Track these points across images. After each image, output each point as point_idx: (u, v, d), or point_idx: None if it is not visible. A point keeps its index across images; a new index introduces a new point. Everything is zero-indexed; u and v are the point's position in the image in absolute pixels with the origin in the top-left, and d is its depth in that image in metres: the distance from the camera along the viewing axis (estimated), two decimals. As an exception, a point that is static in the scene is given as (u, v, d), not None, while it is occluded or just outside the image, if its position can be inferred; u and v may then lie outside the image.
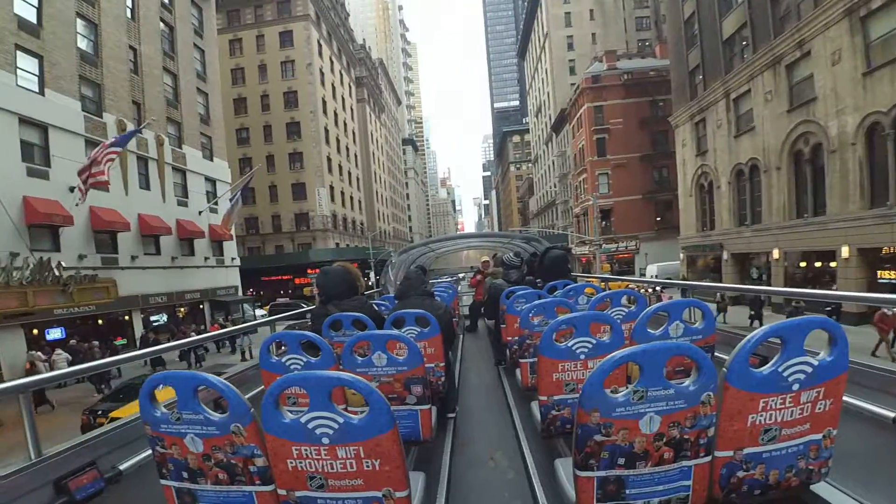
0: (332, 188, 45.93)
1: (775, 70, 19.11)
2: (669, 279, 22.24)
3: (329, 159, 45.82)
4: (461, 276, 13.54)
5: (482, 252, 11.10)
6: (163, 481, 1.54)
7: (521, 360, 3.34)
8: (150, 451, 1.56)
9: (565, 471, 1.72)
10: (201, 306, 24.97)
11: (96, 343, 15.89)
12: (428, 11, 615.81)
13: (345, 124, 52.18)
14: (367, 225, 57.29)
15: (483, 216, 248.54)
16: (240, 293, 28.85)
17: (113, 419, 7.33)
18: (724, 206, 23.11)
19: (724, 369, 1.33)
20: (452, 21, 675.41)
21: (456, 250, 12.47)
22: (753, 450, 1.38)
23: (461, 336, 7.40)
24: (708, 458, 1.37)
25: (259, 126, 44.69)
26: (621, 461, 1.33)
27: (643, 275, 37.56)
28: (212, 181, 26.39)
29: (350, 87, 56.64)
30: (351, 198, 52.20)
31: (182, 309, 23.92)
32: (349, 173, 52.19)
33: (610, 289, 5.14)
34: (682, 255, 28.22)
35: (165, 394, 1.57)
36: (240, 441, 1.42)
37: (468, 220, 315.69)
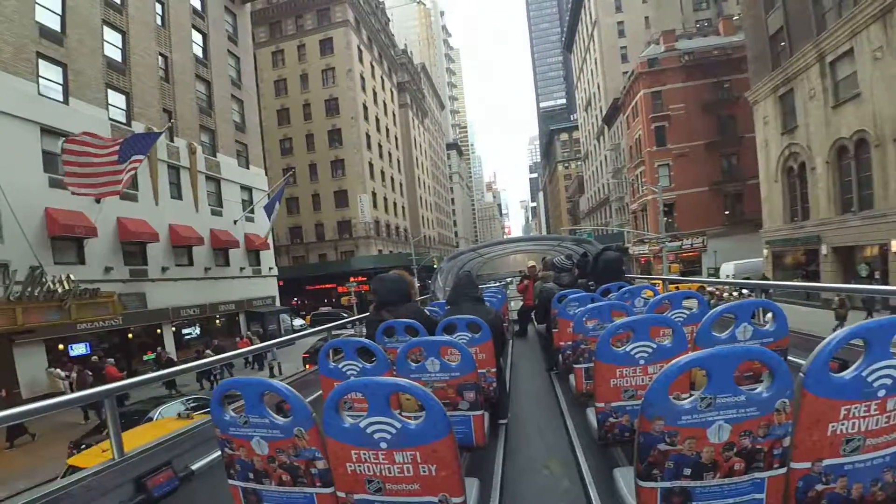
0: (374, 194, 44.91)
1: (885, 22, 15.63)
2: (748, 279, 19.11)
3: (371, 165, 44.85)
4: (509, 280, 13.03)
5: (530, 256, 10.79)
6: (230, 481, 1.61)
7: (574, 366, 3.17)
8: (219, 452, 1.65)
9: (625, 481, 1.69)
10: (237, 318, 24.12)
11: (110, 360, 14.88)
12: (470, 16, 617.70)
13: (387, 130, 51.27)
14: (410, 231, 56.01)
15: (530, 219, 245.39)
16: (277, 303, 27.93)
17: (71, 468, 6.01)
18: (822, 191, 19.45)
19: (801, 374, 1.22)
20: (495, 23, 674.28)
21: (504, 255, 12.10)
22: (834, 461, 1.26)
23: (510, 341, 7.15)
24: (783, 470, 1.27)
25: (301, 135, 44.50)
26: (687, 472, 1.26)
27: (712, 275, 33.75)
28: (248, 189, 25.66)
29: (392, 92, 55.80)
30: (394, 204, 51.09)
31: (218, 320, 23.12)
32: (392, 179, 51.14)
33: (678, 290, 4.75)
34: (765, 252, 24.45)
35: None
36: (302, 444, 1.48)
37: (515, 224, 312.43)
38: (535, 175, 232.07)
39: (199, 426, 2.19)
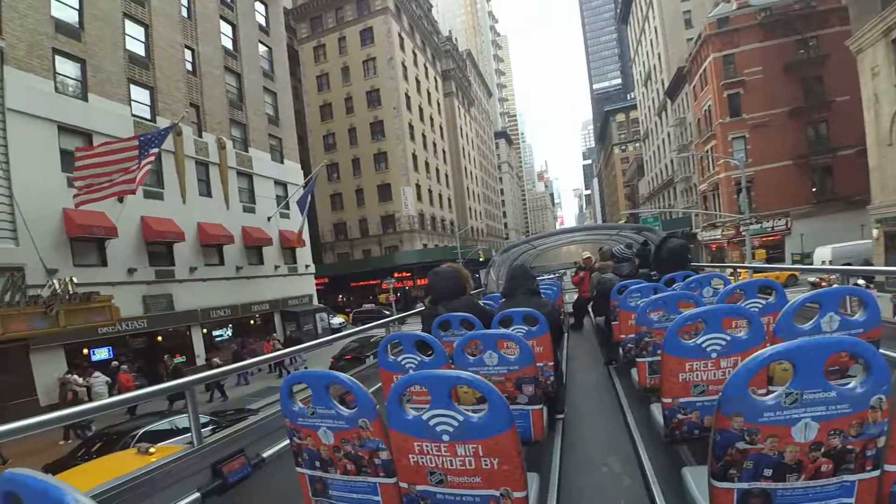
0: (418, 187, 43.41)
1: None
2: (849, 265, 15.50)
3: (414, 157, 43.34)
4: (563, 272, 12.68)
5: (584, 247, 10.35)
6: (298, 469, 1.67)
7: (637, 360, 3.02)
8: (288, 441, 1.70)
9: (696, 481, 1.64)
10: (272, 318, 23.31)
11: (124, 367, 14.08)
12: (518, 1, 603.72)
13: (431, 119, 49.57)
14: (457, 223, 54.18)
15: (584, 207, 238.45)
16: (315, 302, 26.91)
17: None
18: (957, 154, 15.57)
19: None
20: (543, 5, 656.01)
21: (558, 246, 11.83)
22: None
23: (566, 335, 6.78)
24: (876, 473, 1.17)
25: (344, 130, 43.73)
26: (768, 472, 1.20)
27: (798, 262, 29.42)
28: (282, 185, 24.70)
29: (436, 80, 53.98)
30: (439, 196, 49.41)
31: (253, 321, 22.39)
32: (437, 170, 49.45)
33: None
34: (875, 232, 20.39)
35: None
36: (366, 435, 1.51)
37: (568, 213, 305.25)
38: (588, 161, 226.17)
39: (269, 416, 2.31)
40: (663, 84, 48.58)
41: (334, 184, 44.48)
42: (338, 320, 31.44)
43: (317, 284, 45.50)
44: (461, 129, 62.09)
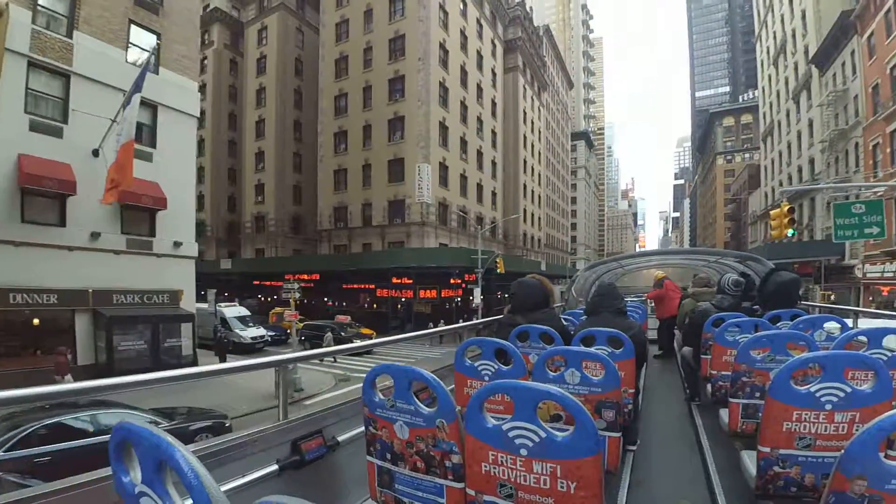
0: (443, 167, 32.76)
1: None
2: None
3: (443, 127, 32.80)
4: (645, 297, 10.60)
5: (680, 271, 9.76)
6: (369, 457, 1.72)
7: (731, 400, 2.70)
8: (363, 429, 1.75)
9: None
10: (72, 320, 13.54)
11: None
12: (618, 12, 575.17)
13: (479, 89, 38.80)
14: (502, 225, 42.78)
15: (669, 231, 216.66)
16: (193, 303, 16.56)
17: None
18: None
19: None
20: (648, 23, 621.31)
21: (648, 267, 10.48)
22: None
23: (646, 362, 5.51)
24: None
25: (358, 88, 34.33)
26: None
27: None
28: (151, 107, 15.00)
29: (494, 44, 43.16)
30: (478, 185, 38.33)
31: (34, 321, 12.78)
32: (478, 153, 38.48)
33: None
34: None
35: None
36: (441, 436, 1.51)
37: (651, 236, 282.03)
38: (681, 181, 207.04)
39: (349, 402, 2.35)
40: (806, 53, 34.13)
41: (340, 156, 35.17)
42: (256, 333, 21.88)
43: (306, 282, 36.49)
44: (524, 114, 50.62)
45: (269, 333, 25.13)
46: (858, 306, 22.85)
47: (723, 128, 78.21)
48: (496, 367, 2.33)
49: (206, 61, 49.22)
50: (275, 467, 1.87)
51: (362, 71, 34.02)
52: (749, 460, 2.11)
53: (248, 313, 24.42)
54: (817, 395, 1.73)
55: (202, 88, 49.97)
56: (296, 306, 39.30)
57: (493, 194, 41.82)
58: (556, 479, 1.30)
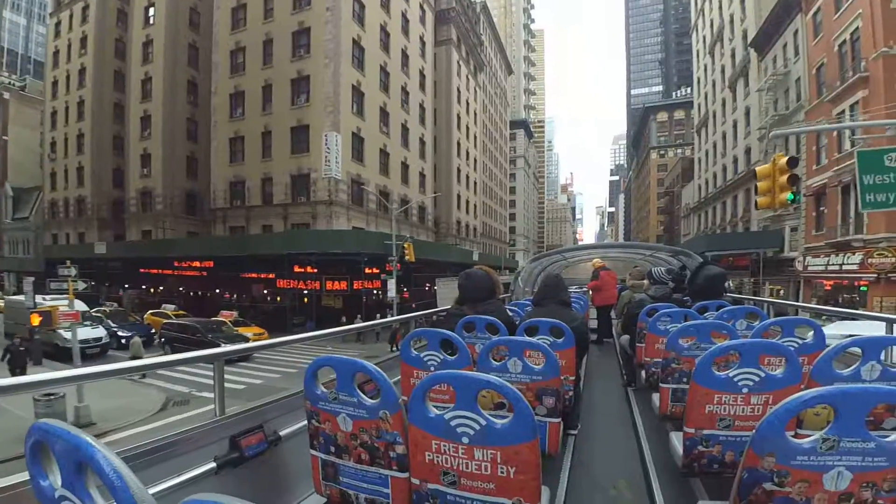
0: (358, 138, 28.27)
1: None
2: None
3: (358, 91, 28.25)
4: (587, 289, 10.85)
5: (621, 264, 10.32)
6: (312, 451, 1.71)
7: (661, 385, 2.92)
8: (305, 422, 1.76)
9: None
10: None
11: None
12: (557, 16, 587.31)
13: (404, 55, 34.43)
14: (430, 210, 38.93)
15: (605, 225, 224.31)
16: None
17: None
18: None
19: None
20: (578, 18, 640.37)
21: (590, 260, 10.55)
22: None
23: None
24: None
25: (258, 41, 28.95)
26: None
27: None
28: None
29: (423, 9, 38.82)
30: (402, 165, 34.08)
31: None
32: (403, 127, 34.22)
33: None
34: None
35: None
36: (385, 427, 1.52)
37: (588, 230, 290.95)
38: (616, 178, 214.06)
39: (290, 395, 2.25)
40: (745, 37, 32.79)
41: (236, 122, 29.69)
42: (91, 333, 16.80)
43: (198, 269, 30.94)
44: (458, 92, 46.88)
45: (126, 334, 19.80)
46: (798, 301, 21.12)
47: (657, 123, 78.82)
48: (442, 357, 2.36)
49: (87, 11, 41.46)
50: (212, 465, 1.77)
51: (262, 22, 28.66)
52: (677, 441, 2.26)
53: (87, 308, 18.86)
54: (735, 379, 1.87)
55: (83, 41, 42.26)
56: (186, 300, 33.91)
57: (422, 176, 37.76)
58: (496, 464, 1.35)
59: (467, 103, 50.17)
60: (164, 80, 34.17)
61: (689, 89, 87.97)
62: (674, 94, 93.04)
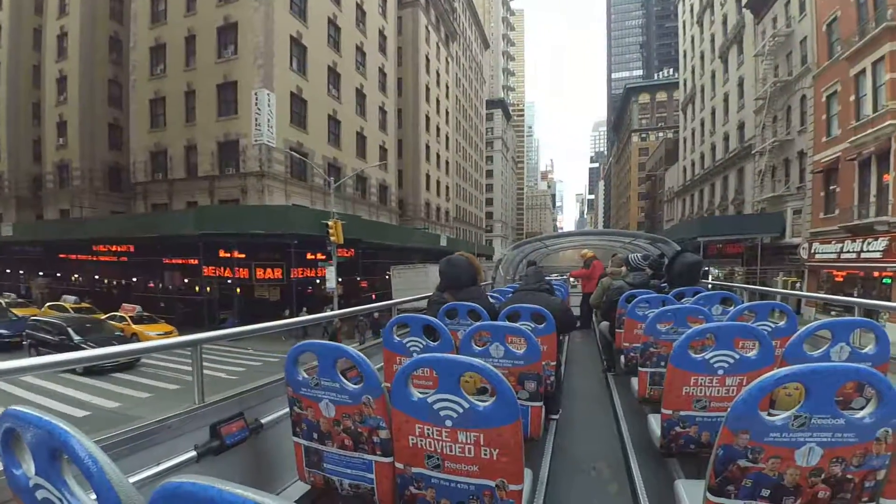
0: (298, 100, 24.10)
1: None
2: None
3: (298, 44, 24.01)
4: (567, 277, 11.99)
5: (597, 251, 9.74)
6: (295, 438, 1.71)
7: (640, 369, 3.00)
8: (287, 409, 1.77)
9: (689, 494, 1.61)
10: None
11: None
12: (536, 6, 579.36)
13: (359, 10, 30.10)
14: (394, 189, 35.00)
15: (585, 213, 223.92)
16: None
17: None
18: None
19: None
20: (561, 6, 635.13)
21: (571, 248, 11.46)
22: None
23: (566, 337, 6.66)
24: None
25: (181, -16, 24.29)
26: (765, 493, 1.20)
27: None
28: None
29: (383, -37, 34.37)
30: (357, 135, 29.99)
31: None
32: (358, 92, 30.05)
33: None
34: None
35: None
36: (368, 412, 1.53)
37: (568, 218, 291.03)
38: (595, 165, 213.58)
39: (271, 382, 2.19)
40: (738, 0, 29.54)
41: (157, 80, 25.13)
42: None
43: (117, 254, 26.54)
44: (427, 61, 42.69)
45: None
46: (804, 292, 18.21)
47: (638, 104, 75.99)
48: (424, 343, 2.40)
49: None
50: (192, 454, 1.74)
51: (187, -41, 24.04)
52: (655, 422, 2.32)
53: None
54: (711, 361, 1.93)
55: (-4, -7, 36.64)
56: (105, 290, 29.45)
57: (383, 150, 33.72)
58: (479, 446, 1.36)
59: (437, 74, 46.04)
60: (82, 35, 29.19)
61: (671, 71, 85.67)
62: (656, 75, 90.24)
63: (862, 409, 1.15)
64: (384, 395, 1.51)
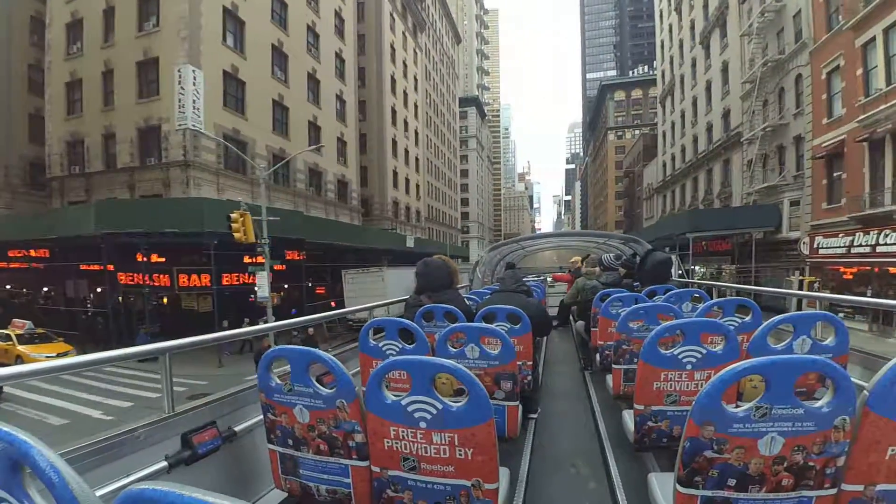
0: (233, 79, 21.04)
1: None
2: None
3: (234, 17, 20.97)
4: (546, 276, 11.80)
5: (573, 252, 10.14)
6: (270, 445, 1.69)
7: (614, 367, 3.04)
8: (261, 416, 1.72)
9: (661, 487, 1.65)
10: None
11: None
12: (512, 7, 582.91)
13: (313, -12, 27.12)
14: (355, 186, 31.98)
15: (562, 214, 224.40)
16: None
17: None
18: None
19: (865, 392, 1.16)
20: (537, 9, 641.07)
21: (546, 249, 11.51)
22: (890, 487, 1.19)
23: (544, 338, 6.65)
24: (833, 491, 1.21)
25: (97, -53, 20.93)
26: (732, 482, 1.22)
27: None
28: None
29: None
30: (313, 126, 26.96)
31: None
32: (311, 77, 27.04)
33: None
34: None
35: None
36: (343, 416, 1.52)
37: (546, 219, 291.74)
38: (572, 166, 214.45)
39: (243, 389, 2.15)
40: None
41: (73, 60, 21.71)
42: None
43: (32, 259, 22.84)
44: (392, 50, 39.91)
45: None
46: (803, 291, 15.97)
47: (614, 102, 74.87)
48: (401, 346, 2.38)
49: None
50: (163, 464, 1.69)
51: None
52: (629, 418, 2.32)
53: None
54: (680, 357, 1.96)
55: None
56: (18, 300, 25.69)
57: (342, 142, 30.74)
58: (454, 447, 1.36)
59: (405, 65, 43.29)
60: (-7, 13, 25.46)
61: (645, 67, 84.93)
62: (630, 73, 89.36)
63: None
64: (358, 398, 1.50)
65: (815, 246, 17.12)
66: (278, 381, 1.59)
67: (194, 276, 17.51)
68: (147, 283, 17.88)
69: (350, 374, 1.53)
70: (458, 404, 1.34)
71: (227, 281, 18.35)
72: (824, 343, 2.07)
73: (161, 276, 17.69)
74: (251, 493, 1.99)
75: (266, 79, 22.83)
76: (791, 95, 20.17)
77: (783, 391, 1.14)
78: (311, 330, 12.82)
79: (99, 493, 1.38)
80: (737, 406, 1.20)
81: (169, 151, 18.94)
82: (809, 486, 1.20)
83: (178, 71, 17.71)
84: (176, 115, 17.71)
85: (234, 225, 12.25)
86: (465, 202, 78.72)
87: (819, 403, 1.16)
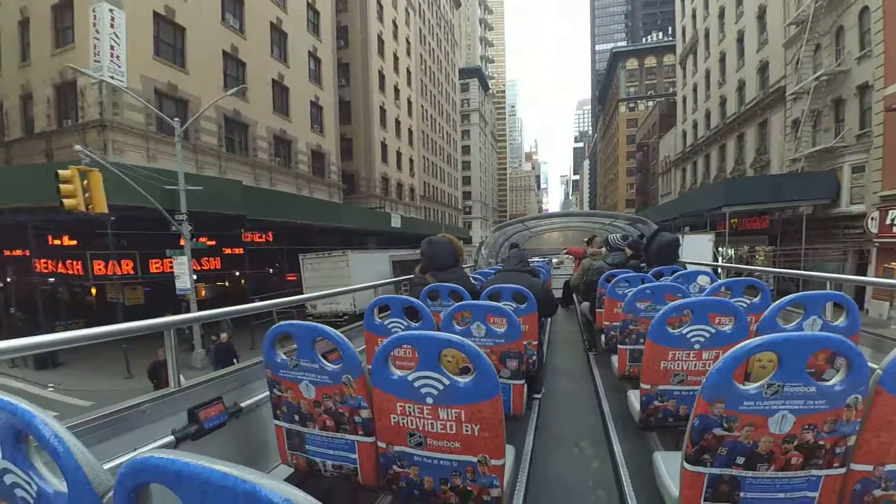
0: (168, 23, 17.45)
1: None
2: None
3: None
4: (551, 258, 11.99)
5: (579, 233, 10.15)
6: (276, 421, 1.68)
7: (619, 347, 3.04)
8: (267, 392, 1.73)
9: (667, 465, 1.62)
10: None
11: None
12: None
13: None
14: (334, 159, 28.38)
15: (570, 194, 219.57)
16: None
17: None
18: None
19: (879, 371, 1.15)
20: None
21: (552, 230, 11.33)
22: None
23: (549, 319, 6.34)
24: (842, 471, 1.20)
25: None
26: (740, 460, 1.22)
27: None
28: None
29: None
30: (279, 87, 23.27)
31: None
32: (273, 27, 23.24)
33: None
34: None
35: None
36: (349, 392, 1.51)
37: (553, 200, 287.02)
38: (580, 144, 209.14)
39: (250, 365, 2.14)
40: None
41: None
42: None
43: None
44: (380, 7, 35.79)
45: None
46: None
47: (626, 71, 69.80)
48: (406, 324, 2.36)
49: None
50: (170, 438, 1.67)
51: None
52: (634, 398, 2.32)
53: None
54: (688, 336, 1.94)
55: None
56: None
57: (317, 107, 27.02)
58: (461, 423, 1.35)
59: (394, 25, 39.15)
60: None
61: (660, 34, 79.50)
62: (643, 40, 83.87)
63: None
64: (364, 374, 1.49)
65: (889, 221, 13.44)
66: (284, 357, 1.59)
67: (113, 263, 14.23)
68: (60, 271, 14.70)
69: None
70: (466, 380, 1.33)
71: (156, 268, 15.10)
72: (835, 323, 2.04)
73: (74, 262, 14.47)
74: (257, 468, 1.74)
75: (214, 25, 19.15)
76: (853, 34, 16.19)
77: (796, 369, 1.13)
78: (224, 336, 9.51)
79: (107, 465, 1.34)
80: (760, 381, 1.17)
81: (85, 111, 15.51)
82: (818, 465, 1.18)
83: (94, 10, 14.27)
84: (91, 64, 14.31)
85: (64, 187, 8.83)
86: (466, 181, 74.86)
87: (832, 381, 1.14)
